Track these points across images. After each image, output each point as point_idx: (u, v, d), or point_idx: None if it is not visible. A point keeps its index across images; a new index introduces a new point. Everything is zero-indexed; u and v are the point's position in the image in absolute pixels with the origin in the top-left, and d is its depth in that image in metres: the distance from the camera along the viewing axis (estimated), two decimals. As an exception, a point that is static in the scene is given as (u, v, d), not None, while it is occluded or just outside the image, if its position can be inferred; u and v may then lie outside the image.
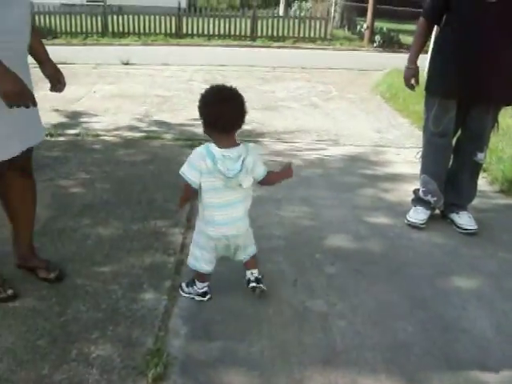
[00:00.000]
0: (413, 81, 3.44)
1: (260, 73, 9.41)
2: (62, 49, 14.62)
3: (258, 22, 17.80)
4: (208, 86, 2.38)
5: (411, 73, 3.41)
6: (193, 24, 17.71)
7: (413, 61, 3.38)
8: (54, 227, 3.13)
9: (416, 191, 3.55)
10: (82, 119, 5.79)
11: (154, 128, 5.48)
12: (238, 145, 2.28)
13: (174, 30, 17.73)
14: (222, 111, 2.23)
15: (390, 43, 17.65)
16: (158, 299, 2.46)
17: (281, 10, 28.99)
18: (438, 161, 3.39)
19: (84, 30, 18.12)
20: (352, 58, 13.82)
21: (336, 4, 19.90)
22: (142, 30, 17.36)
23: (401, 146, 5.24)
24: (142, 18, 17.39)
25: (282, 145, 5.02)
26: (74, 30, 17.96)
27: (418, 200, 3.49)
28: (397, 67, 9.88)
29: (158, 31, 17.58)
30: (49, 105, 6.41)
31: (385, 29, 18.24)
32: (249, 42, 17.24)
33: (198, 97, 2.33)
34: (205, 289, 2.50)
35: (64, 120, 5.76)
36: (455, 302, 2.55)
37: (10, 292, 2.44)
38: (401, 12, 24.36)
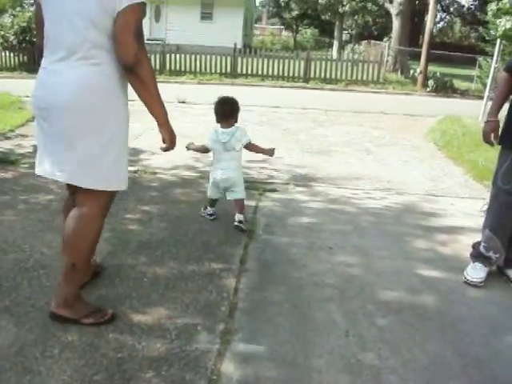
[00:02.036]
0: (492, 136, 3.24)
1: (313, 115, 9.54)
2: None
3: (312, 64, 18.06)
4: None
5: (491, 126, 3.23)
6: (247, 64, 18.13)
7: (494, 114, 3.23)
8: (112, 263, 3.24)
9: (476, 245, 3.47)
10: (140, 156, 5.99)
11: (209, 168, 5.59)
12: (232, 126, 3.87)
13: (229, 70, 18.18)
14: (219, 108, 3.89)
15: (443, 88, 17.58)
16: (212, 342, 2.50)
17: (334, 52, 29.37)
18: (502, 217, 3.29)
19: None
20: (405, 103, 13.83)
21: (389, 48, 20.01)
22: (198, 69, 17.88)
23: (455, 196, 5.19)
24: (198, 57, 17.92)
25: (335, 191, 5.04)
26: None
27: (477, 255, 3.41)
28: (450, 114, 9.88)
29: (213, 70, 18.07)
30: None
31: (438, 73, 18.19)
32: (302, 84, 17.51)
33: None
34: (211, 211, 4.09)
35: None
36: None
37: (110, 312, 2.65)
38: (454, 57, 24.27)
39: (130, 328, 2.57)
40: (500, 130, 3.26)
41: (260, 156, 5.74)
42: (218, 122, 3.91)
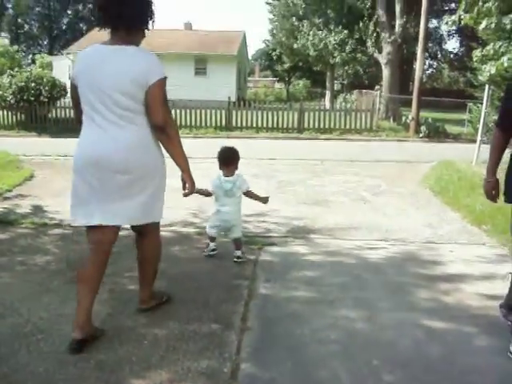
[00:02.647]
0: (493, 193, 3.32)
1: (309, 166, 9.62)
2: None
3: (305, 115, 18.34)
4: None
5: (491, 186, 3.29)
6: (242, 117, 18.39)
7: (491, 173, 3.26)
8: (112, 325, 3.19)
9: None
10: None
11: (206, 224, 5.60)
12: (233, 174, 4.34)
13: (224, 123, 18.43)
14: (221, 156, 4.37)
15: (435, 133, 17.85)
16: (215, 406, 2.44)
17: (327, 102, 29.86)
18: None
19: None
20: (398, 150, 13.99)
21: (380, 96, 20.39)
22: (193, 123, 18.12)
23: (454, 242, 5.18)
24: (193, 111, 18.19)
25: (333, 242, 5.03)
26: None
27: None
28: (444, 159, 9.98)
29: (208, 124, 18.32)
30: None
31: (430, 119, 18.48)
32: (296, 135, 17.74)
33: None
34: (213, 247, 4.53)
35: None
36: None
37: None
38: (444, 102, 24.71)
39: (130, 394, 2.51)
40: (504, 185, 3.27)
41: (257, 209, 5.80)
42: (220, 168, 4.38)
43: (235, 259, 4.38)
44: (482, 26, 8.58)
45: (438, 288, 3.97)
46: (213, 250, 4.54)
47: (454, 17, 9.54)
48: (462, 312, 3.53)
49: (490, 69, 8.50)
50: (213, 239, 4.55)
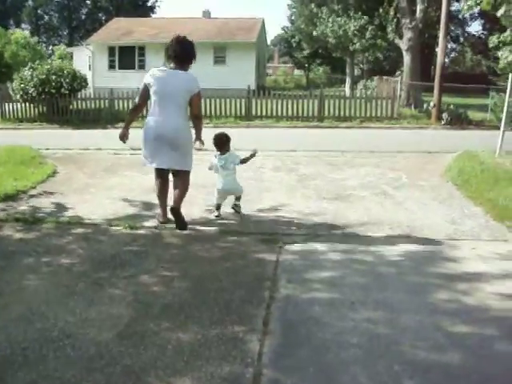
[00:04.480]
0: None
1: (329, 158, 9.57)
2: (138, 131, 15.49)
3: (325, 103, 18.22)
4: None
5: None
6: (261, 106, 18.35)
7: None
8: (136, 329, 3.25)
9: None
10: (157, 210, 6.03)
11: (226, 221, 5.64)
12: (226, 152, 5.70)
13: (243, 112, 18.41)
14: (214, 141, 5.72)
15: (457, 120, 17.58)
16: (238, 413, 2.48)
17: (347, 88, 29.64)
18: None
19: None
20: (420, 138, 13.85)
21: (401, 83, 20.15)
22: (213, 113, 18.13)
23: (476, 239, 5.13)
24: (213, 101, 18.18)
25: (354, 239, 5.02)
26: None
27: None
28: (466, 148, 9.86)
29: (228, 113, 18.32)
30: (127, 194, 6.77)
31: (452, 106, 18.22)
32: (316, 123, 17.65)
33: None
34: (218, 213, 5.79)
35: (142, 211, 6.04)
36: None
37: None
38: (467, 88, 24.29)
39: (155, 401, 2.57)
40: None
41: (277, 204, 5.90)
42: (217, 150, 5.76)
43: (232, 206, 5.88)
44: (501, 11, 8.41)
45: (459, 288, 3.95)
46: (218, 215, 5.78)
47: (470, 2, 9.34)
48: (483, 314, 3.51)
49: (507, 55, 8.32)
50: (219, 206, 5.83)
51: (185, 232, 5.24)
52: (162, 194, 5.53)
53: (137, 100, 5.41)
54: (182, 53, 5.16)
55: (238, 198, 5.88)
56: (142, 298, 3.72)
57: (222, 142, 5.71)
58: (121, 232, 5.26)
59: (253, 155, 5.82)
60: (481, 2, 8.77)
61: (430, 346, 3.12)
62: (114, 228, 5.38)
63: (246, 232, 5.24)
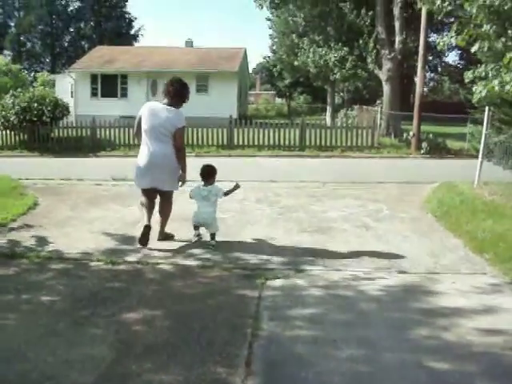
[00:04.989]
0: None
1: (310, 189, 9.65)
2: (120, 161, 15.45)
3: (307, 132, 18.42)
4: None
5: None
6: (243, 135, 18.48)
7: None
8: (118, 371, 3.23)
9: None
10: (139, 244, 6.02)
11: (208, 256, 5.63)
12: (211, 184, 5.95)
13: (225, 142, 18.52)
14: (202, 172, 6.00)
15: (436, 149, 17.88)
16: None
17: (327, 117, 30.02)
18: None
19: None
20: (400, 168, 14.05)
21: (381, 113, 20.47)
22: (195, 142, 18.20)
23: (456, 272, 5.20)
24: (195, 130, 18.27)
25: (336, 274, 5.05)
26: (131, 142, 18.96)
27: None
28: (445, 179, 10.02)
29: (210, 143, 18.41)
30: (109, 227, 6.74)
31: (431, 135, 18.53)
32: (298, 152, 17.81)
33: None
34: (198, 233, 6.10)
35: (124, 246, 6.00)
36: None
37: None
38: (443, 118, 24.62)
39: None
40: None
41: (260, 237, 5.89)
42: (202, 180, 6.02)
43: (210, 246, 5.87)
44: (475, 48, 8.62)
45: (439, 324, 3.99)
46: (198, 235, 6.11)
47: (445, 38, 9.57)
48: (463, 350, 3.55)
49: (480, 90, 8.52)
50: (196, 227, 6.11)
51: (166, 267, 5.24)
52: (149, 210, 6.01)
53: (135, 130, 6.20)
54: (174, 92, 5.86)
55: (212, 236, 5.98)
56: (124, 337, 3.69)
57: (208, 174, 5.99)
58: (102, 267, 5.22)
59: (235, 188, 6.12)
60: (455, 38, 9.00)
61: (412, 385, 3.14)
62: (94, 263, 5.35)
63: (227, 267, 5.24)
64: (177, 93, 5.87)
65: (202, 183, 5.99)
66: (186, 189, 6.17)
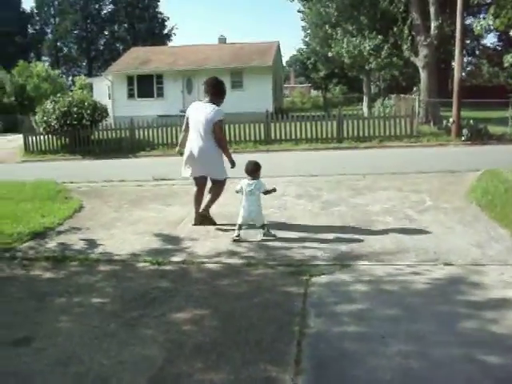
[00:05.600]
0: None
1: (351, 182, 9.58)
2: (160, 160, 15.65)
3: (344, 124, 18.27)
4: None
5: None
6: (280, 129, 18.46)
7: None
8: (170, 371, 3.30)
9: None
10: (183, 244, 6.11)
11: (252, 253, 5.67)
12: (255, 179, 6.20)
13: (262, 137, 18.53)
14: (246, 169, 6.28)
15: (478, 135, 17.47)
16: None
17: (364, 107, 29.68)
18: None
19: (179, 140, 19.33)
20: (441, 156, 13.81)
21: (419, 100, 20.12)
22: (232, 138, 18.28)
23: (504, 263, 5.09)
24: (232, 126, 18.33)
25: (381, 268, 5.02)
26: (169, 141, 19.18)
27: None
28: (488, 166, 9.79)
29: (247, 138, 18.46)
30: (153, 228, 6.86)
31: (471, 121, 18.11)
32: (336, 145, 17.68)
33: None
34: (237, 233, 6.13)
35: (168, 246, 6.10)
36: None
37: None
38: (484, 102, 24.06)
39: None
40: None
41: (303, 234, 5.93)
42: (248, 175, 6.28)
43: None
44: None
45: (487, 317, 3.92)
46: (238, 235, 6.11)
47: (482, 22, 9.34)
48: (513, 342, 3.49)
49: None
50: (240, 227, 6.16)
51: (212, 266, 5.30)
52: (196, 201, 6.92)
53: (183, 128, 7.02)
54: (212, 91, 6.70)
55: (262, 227, 6.23)
56: (174, 337, 3.76)
57: (253, 170, 6.29)
58: (149, 268, 5.33)
59: (273, 191, 6.37)
60: (493, 21, 8.77)
61: (464, 380, 3.11)
62: (141, 264, 5.46)
63: (272, 264, 5.27)
64: (214, 91, 6.67)
65: (247, 178, 6.28)
66: (230, 186, 6.80)
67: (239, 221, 6.17)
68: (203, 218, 6.85)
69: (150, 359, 3.45)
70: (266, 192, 6.28)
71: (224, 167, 6.80)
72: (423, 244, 5.74)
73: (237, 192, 6.39)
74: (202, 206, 6.92)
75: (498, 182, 8.45)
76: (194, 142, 6.66)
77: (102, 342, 3.74)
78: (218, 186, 6.87)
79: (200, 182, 6.88)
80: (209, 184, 7.01)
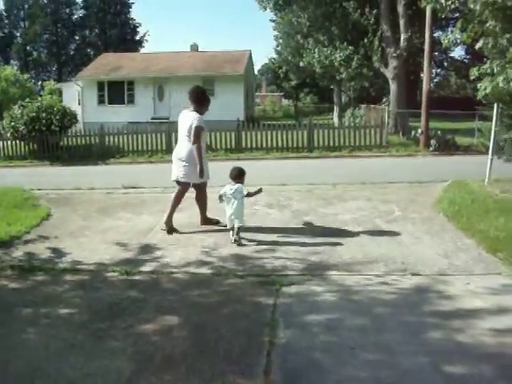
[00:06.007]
0: None
1: (321, 191, 9.63)
2: (130, 167, 15.54)
3: (315, 133, 18.41)
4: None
5: None
6: (251, 137, 18.51)
7: None
8: (138, 384, 3.26)
9: None
10: (154, 253, 6.06)
11: (222, 263, 5.66)
12: (236, 184, 6.47)
13: (233, 145, 18.55)
14: (231, 174, 6.62)
15: (446, 146, 17.80)
16: None
17: (335, 117, 29.99)
18: None
19: (149, 148, 19.23)
20: (409, 167, 14.02)
21: (389, 111, 20.42)
22: (203, 146, 18.21)
23: (470, 273, 5.19)
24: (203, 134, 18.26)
25: (350, 279, 5.06)
26: (139, 148, 19.08)
27: None
28: (456, 177, 9.98)
29: (218, 146, 18.46)
30: (122, 237, 6.80)
31: (439, 132, 18.46)
32: (306, 154, 17.81)
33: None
34: (232, 233, 6.40)
35: (138, 255, 6.04)
36: None
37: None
38: (451, 113, 24.53)
39: None
40: None
41: (273, 242, 5.93)
42: (232, 180, 6.56)
43: (232, 239, 6.35)
44: (479, 44, 8.63)
45: (453, 326, 3.99)
46: (234, 240, 6.34)
47: (450, 36, 9.55)
48: (480, 353, 3.55)
49: (485, 86, 8.51)
50: (232, 230, 6.42)
51: (181, 276, 5.28)
52: (197, 204, 7.36)
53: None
54: (194, 99, 7.06)
55: (236, 232, 6.37)
56: (142, 349, 3.73)
57: (236, 176, 6.60)
58: (118, 278, 5.27)
59: (258, 192, 6.67)
60: (460, 34, 8.99)
61: (431, 390, 3.15)
62: (110, 274, 5.39)
63: (242, 274, 5.26)
64: (196, 99, 7.04)
65: (231, 183, 6.57)
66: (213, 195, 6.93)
67: (228, 225, 6.50)
68: (208, 220, 7.26)
69: (117, 371, 3.40)
70: (250, 194, 6.58)
71: (191, 173, 6.90)
72: (392, 254, 5.82)
73: (220, 196, 6.57)
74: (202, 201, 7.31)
75: (464, 192, 8.63)
76: (176, 147, 7.22)
77: (68, 354, 3.69)
78: (200, 191, 7.21)
79: (183, 186, 7.15)
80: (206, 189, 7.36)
